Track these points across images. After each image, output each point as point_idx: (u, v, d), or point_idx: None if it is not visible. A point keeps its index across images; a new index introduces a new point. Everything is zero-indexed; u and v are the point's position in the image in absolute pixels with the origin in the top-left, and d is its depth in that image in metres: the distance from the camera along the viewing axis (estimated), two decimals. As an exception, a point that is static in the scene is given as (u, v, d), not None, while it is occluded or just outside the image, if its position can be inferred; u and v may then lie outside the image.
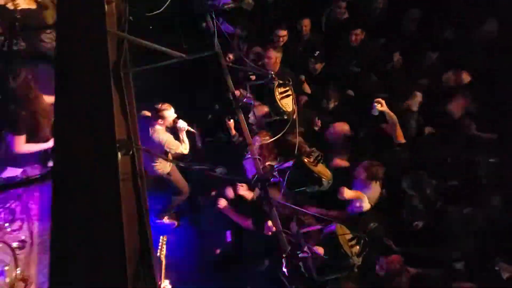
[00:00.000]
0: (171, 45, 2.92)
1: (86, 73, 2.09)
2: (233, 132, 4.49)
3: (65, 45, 2.17)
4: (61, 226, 1.62)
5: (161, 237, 3.30)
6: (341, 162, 4.10)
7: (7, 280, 4.10)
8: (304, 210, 2.36)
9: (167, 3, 3.11)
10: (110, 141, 1.89)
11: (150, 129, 4.15)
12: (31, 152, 3.89)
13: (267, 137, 3.39)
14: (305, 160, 2.18)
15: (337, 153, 4.14)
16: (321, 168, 2.22)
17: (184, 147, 4.35)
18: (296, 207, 2.29)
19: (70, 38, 2.17)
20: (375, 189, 3.65)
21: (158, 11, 3.22)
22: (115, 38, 2.69)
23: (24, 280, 4.34)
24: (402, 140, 4.02)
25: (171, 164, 4.38)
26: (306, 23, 5.31)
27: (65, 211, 1.65)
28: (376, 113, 4.05)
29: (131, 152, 2.18)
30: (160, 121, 4.12)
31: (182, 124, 4.30)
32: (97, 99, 2.01)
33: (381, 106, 3.96)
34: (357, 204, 3.42)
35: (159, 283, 2.81)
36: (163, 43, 2.85)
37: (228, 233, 4.20)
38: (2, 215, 4.63)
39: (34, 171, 4.96)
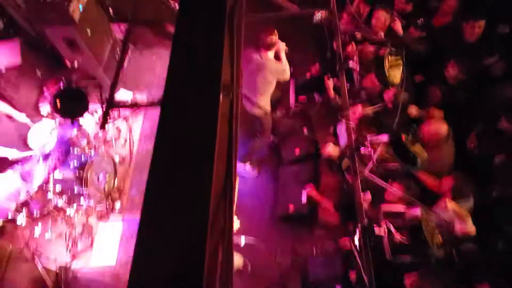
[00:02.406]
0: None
1: (204, 15, 2.17)
2: (331, 93, 4.30)
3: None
4: (162, 149, 1.77)
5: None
6: None
7: (106, 187, 4.72)
8: (391, 187, 2.25)
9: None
10: (216, 82, 1.97)
11: (256, 57, 4.12)
12: None
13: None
14: (403, 136, 2.06)
15: None
16: (418, 148, 2.09)
17: (288, 71, 4.29)
18: (383, 183, 2.20)
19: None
20: None
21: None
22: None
23: (119, 190, 4.96)
24: None
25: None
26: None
27: (167, 136, 1.80)
28: None
29: (231, 96, 2.26)
30: (270, 49, 4.07)
31: (283, 45, 4.22)
32: (210, 41, 2.09)
33: None
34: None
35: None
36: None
37: (305, 193, 4.23)
38: (110, 131, 5.25)
39: (141, 97, 5.47)
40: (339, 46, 3.01)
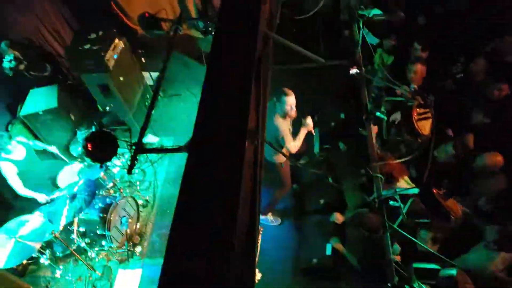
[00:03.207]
0: (309, 49, 2.92)
1: (234, 64, 2.25)
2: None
3: (222, 37, 2.36)
4: (188, 192, 1.77)
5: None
6: None
7: (128, 230, 4.70)
8: (423, 245, 2.13)
9: (317, 8, 3.14)
10: (242, 129, 1.99)
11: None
12: None
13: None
14: (434, 190, 1.97)
15: None
16: (451, 203, 1.99)
17: (294, 144, 4.08)
18: (412, 238, 2.09)
19: (226, 32, 2.36)
20: None
21: (306, 15, 3.27)
22: (262, 36, 2.82)
23: (141, 235, 4.93)
24: None
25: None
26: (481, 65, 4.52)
27: (193, 181, 1.80)
28: None
29: (256, 142, 2.27)
30: (277, 103, 3.97)
31: (309, 121, 4.10)
32: (238, 89, 2.14)
33: None
34: None
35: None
36: (302, 46, 2.86)
37: (329, 246, 4.08)
38: (136, 174, 5.33)
39: (168, 142, 5.58)
40: (365, 96, 3.03)
